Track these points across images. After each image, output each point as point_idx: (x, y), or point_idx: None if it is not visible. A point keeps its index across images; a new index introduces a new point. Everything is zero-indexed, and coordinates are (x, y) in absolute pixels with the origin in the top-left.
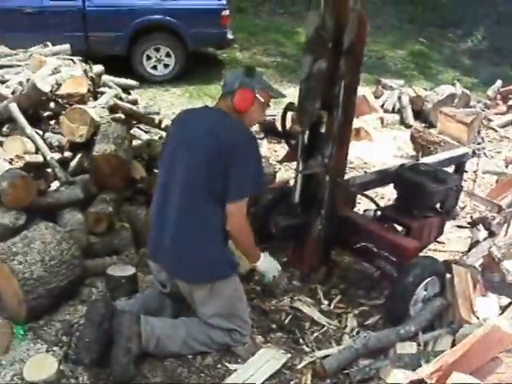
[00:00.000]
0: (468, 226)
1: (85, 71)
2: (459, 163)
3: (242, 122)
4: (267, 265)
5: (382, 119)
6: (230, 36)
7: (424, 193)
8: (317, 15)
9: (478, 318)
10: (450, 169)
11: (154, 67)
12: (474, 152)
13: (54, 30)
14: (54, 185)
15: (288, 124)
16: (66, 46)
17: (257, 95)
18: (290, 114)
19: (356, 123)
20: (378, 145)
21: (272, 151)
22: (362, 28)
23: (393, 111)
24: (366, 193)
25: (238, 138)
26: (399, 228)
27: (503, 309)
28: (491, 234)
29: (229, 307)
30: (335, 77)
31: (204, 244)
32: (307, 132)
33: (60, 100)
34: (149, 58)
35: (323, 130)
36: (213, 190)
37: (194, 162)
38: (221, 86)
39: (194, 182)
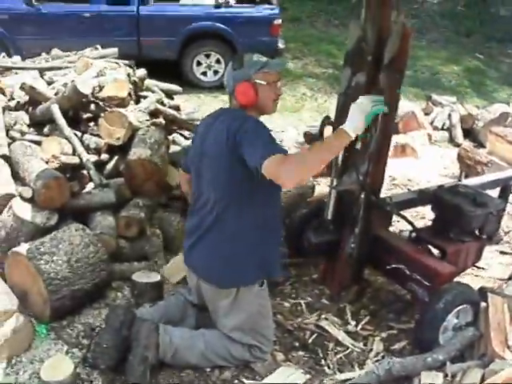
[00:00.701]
0: (511, 252)
1: (128, 75)
2: (505, 186)
3: (258, 112)
4: (357, 116)
5: (430, 136)
6: (280, 45)
7: (461, 216)
8: (358, 26)
9: None
10: (496, 191)
11: (204, 73)
12: None
13: (109, 35)
14: (89, 187)
15: None
16: (114, 50)
17: (256, 81)
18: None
19: (403, 139)
20: (423, 162)
21: None
22: (405, 41)
23: (442, 129)
24: (404, 212)
25: (236, 124)
26: (435, 251)
27: None
28: None
29: (251, 322)
30: (375, 91)
31: (233, 249)
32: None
33: (100, 102)
34: (199, 63)
35: (359, 146)
36: (236, 188)
37: (211, 168)
38: None
39: (217, 188)
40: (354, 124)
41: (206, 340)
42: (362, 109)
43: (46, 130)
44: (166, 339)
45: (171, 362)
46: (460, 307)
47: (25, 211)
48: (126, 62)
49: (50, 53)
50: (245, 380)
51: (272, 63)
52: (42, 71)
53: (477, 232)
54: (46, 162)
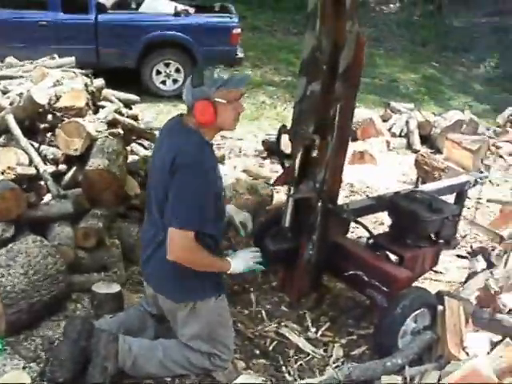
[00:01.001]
0: (467, 255)
1: (85, 85)
2: (460, 191)
3: (216, 130)
4: (240, 262)
5: (388, 143)
6: (240, 54)
7: (417, 222)
8: (313, 36)
9: (467, 354)
10: (452, 196)
11: (163, 82)
12: (476, 180)
13: (66, 43)
14: (47, 198)
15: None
16: (71, 59)
17: (216, 100)
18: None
19: (361, 146)
20: (382, 169)
21: (273, 172)
22: (360, 50)
23: (400, 135)
24: (362, 219)
25: (185, 157)
26: (393, 257)
27: (493, 346)
28: (490, 266)
29: (210, 331)
30: (330, 100)
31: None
32: (299, 155)
33: (58, 113)
34: (158, 72)
35: (315, 154)
36: None
37: (157, 182)
38: None
39: (162, 200)
40: (236, 267)
41: (165, 349)
42: (244, 259)
43: (1, 140)
44: (125, 348)
45: (131, 371)
46: (418, 311)
47: None
48: (83, 71)
49: (4, 61)
50: None
51: (233, 81)
52: None
53: (433, 237)
54: (2, 173)
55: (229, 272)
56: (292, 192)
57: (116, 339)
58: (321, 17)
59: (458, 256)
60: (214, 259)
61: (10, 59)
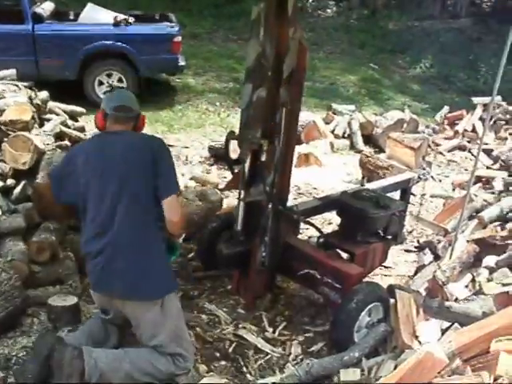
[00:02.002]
0: (415, 249)
1: (30, 98)
2: (405, 188)
3: None
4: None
5: (332, 144)
6: (181, 62)
7: (366, 219)
8: (257, 43)
9: (420, 342)
10: (397, 193)
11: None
12: (419, 177)
13: (4, 54)
14: None
15: (235, 152)
16: (12, 71)
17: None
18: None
19: (306, 149)
20: (327, 170)
21: (221, 177)
22: (303, 56)
23: (343, 137)
24: (311, 219)
25: (153, 143)
26: (344, 255)
27: (443, 333)
28: (437, 258)
29: (177, 328)
30: (276, 105)
31: (153, 260)
32: (248, 160)
33: (2, 127)
34: (101, 83)
35: (264, 158)
36: (149, 205)
37: (126, 185)
38: (118, 112)
39: (135, 204)
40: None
41: (131, 360)
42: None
43: None
44: (92, 363)
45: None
46: (371, 305)
47: None
48: (26, 84)
49: None
50: None
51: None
52: None
53: (382, 233)
54: None
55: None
56: (243, 196)
57: (81, 355)
58: (265, 24)
59: (406, 250)
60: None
61: None
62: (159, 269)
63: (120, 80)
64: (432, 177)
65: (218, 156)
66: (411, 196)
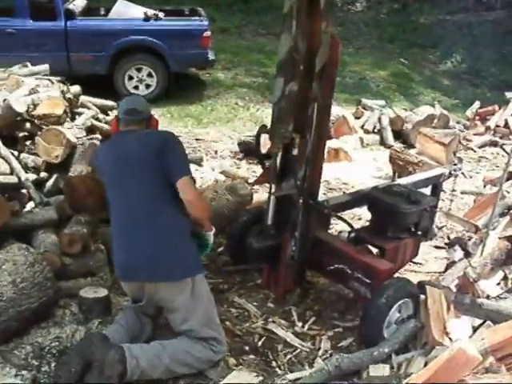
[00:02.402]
0: (445, 246)
1: (62, 92)
2: (435, 184)
3: None
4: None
5: (361, 140)
6: (211, 57)
7: (397, 214)
8: (289, 37)
9: (451, 339)
10: (428, 189)
11: (136, 87)
12: (450, 172)
13: (36, 50)
14: (29, 206)
15: (266, 146)
16: (45, 67)
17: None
18: (266, 137)
19: (335, 144)
20: (357, 165)
21: (250, 172)
22: (335, 50)
23: (373, 132)
24: (341, 214)
25: (163, 135)
26: (374, 250)
27: (474, 330)
28: (467, 255)
29: (208, 311)
30: (308, 99)
31: (179, 243)
32: (279, 154)
33: (36, 121)
34: (130, 78)
35: (295, 152)
36: (165, 191)
37: (140, 174)
38: (128, 116)
39: (151, 191)
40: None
41: (170, 353)
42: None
43: None
44: (133, 363)
45: (136, 379)
46: (401, 301)
47: None
48: (59, 78)
49: None
50: None
51: None
52: None
53: (412, 229)
54: None
55: (207, 232)
56: (274, 190)
57: (122, 359)
58: (297, 18)
59: (436, 247)
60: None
61: None
62: (183, 250)
63: (150, 75)
64: (463, 173)
65: (248, 150)
66: (441, 192)
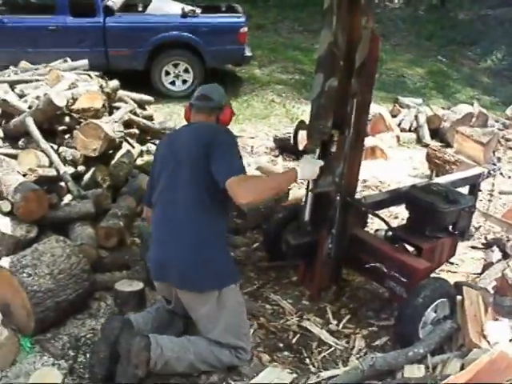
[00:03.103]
0: (482, 247)
1: (101, 86)
2: (474, 183)
3: None
4: (307, 168)
5: (398, 138)
6: (248, 53)
7: (435, 213)
8: (329, 32)
9: (488, 342)
10: (465, 189)
11: (173, 83)
12: (489, 172)
13: (76, 46)
14: (67, 198)
15: (304, 142)
16: (84, 62)
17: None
18: (304, 133)
19: (372, 142)
20: (393, 164)
21: (287, 168)
22: (375, 46)
23: (410, 130)
24: (378, 212)
25: (215, 134)
26: (410, 249)
27: None
28: (505, 256)
29: (235, 322)
30: (347, 95)
31: (214, 251)
32: (318, 151)
33: (75, 115)
34: (167, 73)
35: (334, 148)
36: (210, 190)
37: (187, 172)
38: (198, 101)
39: (194, 190)
40: (304, 173)
41: (195, 350)
42: (310, 162)
43: (20, 143)
44: (158, 352)
45: (160, 371)
46: (438, 301)
47: (4, 225)
48: (97, 73)
49: (18, 65)
50: (232, 382)
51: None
52: (11, 84)
53: (450, 228)
54: (24, 175)
55: (299, 179)
56: (311, 187)
57: (148, 346)
58: (337, 13)
59: (473, 247)
60: (274, 177)
61: (23, 64)
62: (216, 261)
63: (186, 70)
64: (501, 173)
65: (284, 147)
66: (479, 192)
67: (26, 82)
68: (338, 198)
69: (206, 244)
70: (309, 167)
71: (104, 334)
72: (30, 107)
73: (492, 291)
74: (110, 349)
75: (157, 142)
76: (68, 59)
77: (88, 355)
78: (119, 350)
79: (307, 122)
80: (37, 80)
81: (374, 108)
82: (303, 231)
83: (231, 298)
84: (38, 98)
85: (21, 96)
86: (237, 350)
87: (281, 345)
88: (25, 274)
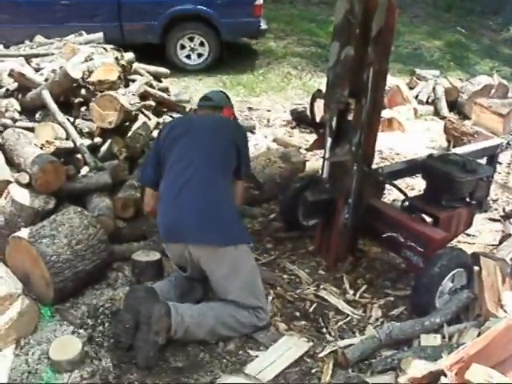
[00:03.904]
0: (500, 218)
1: (116, 59)
2: (492, 154)
3: None
4: None
5: (415, 110)
6: (263, 26)
7: (452, 183)
8: (346, 0)
9: (505, 311)
10: (483, 160)
11: (188, 56)
12: (508, 143)
13: (91, 21)
14: (84, 170)
15: (320, 112)
16: (99, 35)
17: (234, 114)
18: (320, 103)
19: (389, 114)
20: (410, 136)
21: (303, 140)
22: (391, 15)
23: (427, 102)
24: (395, 183)
25: (241, 128)
26: (428, 219)
27: None
28: None
29: (250, 281)
30: (363, 64)
31: (227, 210)
32: (335, 120)
33: (91, 87)
34: (183, 47)
35: (351, 117)
36: (227, 168)
37: (211, 144)
38: (200, 101)
39: (214, 161)
40: None
41: (215, 315)
42: None
43: (37, 116)
44: (178, 319)
45: (180, 338)
46: (455, 271)
47: (23, 196)
48: (113, 46)
49: (34, 40)
50: (249, 350)
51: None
52: (27, 58)
53: (467, 199)
54: (41, 148)
55: None
56: (328, 156)
57: (168, 313)
58: None
59: (491, 219)
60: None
61: (38, 38)
62: (231, 218)
63: (202, 44)
64: None
65: (300, 119)
66: (497, 164)
67: (42, 55)
68: (355, 167)
69: (223, 204)
70: None
71: (128, 303)
72: (46, 80)
73: (510, 262)
74: (135, 318)
75: (173, 114)
76: (83, 32)
77: (106, 324)
78: (139, 318)
79: (323, 91)
80: (52, 54)
81: (391, 80)
82: (321, 188)
83: (246, 258)
84: (53, 71)
85: (37, 70)
86: (255, 310)
87: (297, 314)
88: (43, 245)
